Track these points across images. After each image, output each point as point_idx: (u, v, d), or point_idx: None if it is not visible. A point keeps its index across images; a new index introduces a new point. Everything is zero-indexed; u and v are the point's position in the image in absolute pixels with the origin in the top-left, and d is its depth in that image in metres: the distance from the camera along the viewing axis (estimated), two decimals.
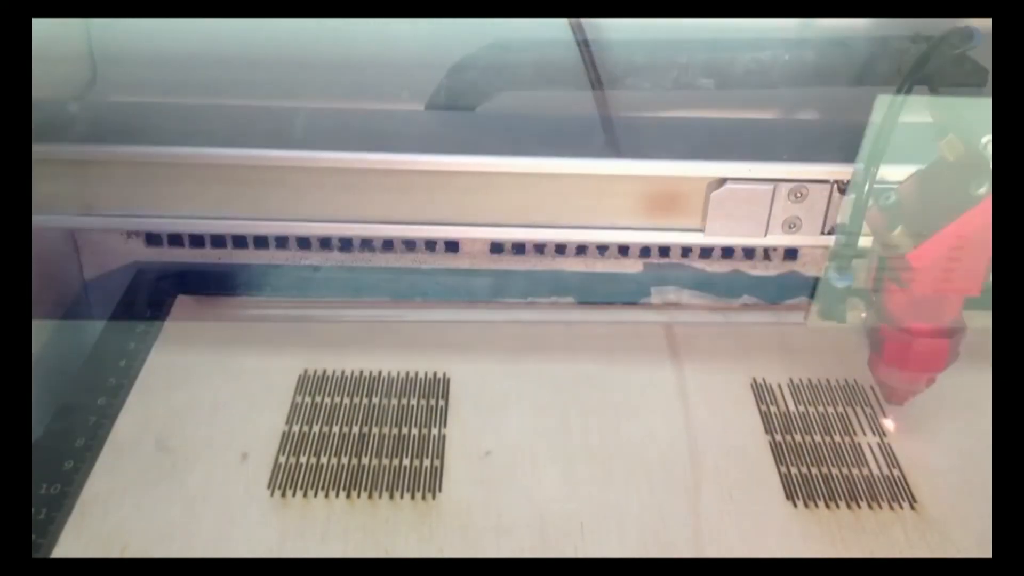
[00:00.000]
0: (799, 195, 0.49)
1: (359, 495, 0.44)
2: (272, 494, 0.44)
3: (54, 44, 0.57)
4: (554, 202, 0.52)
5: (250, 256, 0.59)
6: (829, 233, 0.51)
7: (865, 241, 0.47)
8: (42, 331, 0.54)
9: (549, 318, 0.56)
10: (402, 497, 0.44)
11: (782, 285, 0.58)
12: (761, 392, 0.51)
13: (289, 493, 0.44)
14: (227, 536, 0.41)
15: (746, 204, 0.50)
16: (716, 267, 0.59)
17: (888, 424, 0.49)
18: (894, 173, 0.46)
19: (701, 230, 0.51)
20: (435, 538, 0.42)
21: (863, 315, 0.48)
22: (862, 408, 0.50)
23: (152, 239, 0.58)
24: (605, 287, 0.58)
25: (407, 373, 0.51)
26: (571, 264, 0.59)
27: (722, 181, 0.49)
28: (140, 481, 0.44)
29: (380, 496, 0.44)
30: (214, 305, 0.56)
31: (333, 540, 0.41)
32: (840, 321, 0.49)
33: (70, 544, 0.41)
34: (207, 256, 0.59)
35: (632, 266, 0.59)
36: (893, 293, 0.45)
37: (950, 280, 0.44)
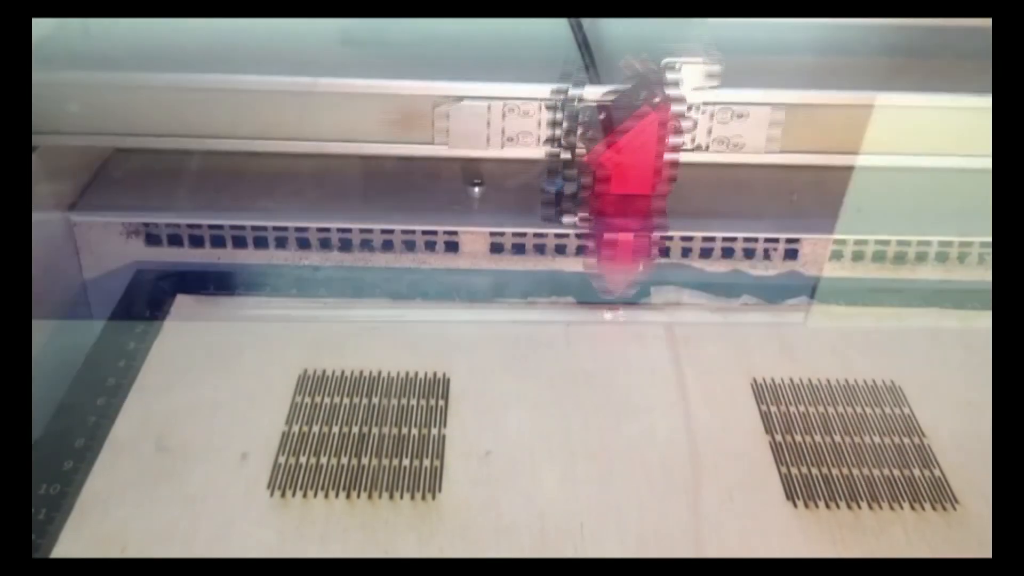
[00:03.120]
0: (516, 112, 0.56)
1: (359, 495, 0.44)
2: (272, 494, 0.44)
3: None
4: None
5: (250, 256, 0.59)
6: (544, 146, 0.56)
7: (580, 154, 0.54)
8: (42, 331, 0.54)
9: (549, 318, 0.56)
10: (402, 497, 0.44)
11: (782, 285, 0.58)
12: (761, 392, 0.51)
13: (289, 493, 0.44)
14: (227, 536, 0.41)
15: (469, 120, 0.55)
16: (716, 267, 0.59)
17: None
18: (593, 93, 0.54)
19: (431, 142, 0.56)
20: (435, 538, 0.42)
21: (576, 218, 0.55)
22: (863, 408, 0.50)
23: (152, 239, 0.58)
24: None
25: (407, 373, 0.51)
26: (571, 264, 0.59)
27: (446, 99, 0.55)
28: (140, 481, 0.44)
29: (380, 496, 0.44)
30: (214, 305, 0.56)
31: (333, 540, 0.41)
32: (556, 223, 0.56)
33: (70, 544, 0.41)
34: (207, 256, 0.59)
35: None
36: (588, 196, 0.54)
37: (626, 179, 0.52)
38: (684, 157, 0.55)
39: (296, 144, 0.57)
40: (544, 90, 0.54)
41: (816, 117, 0.55)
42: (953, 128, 0.56)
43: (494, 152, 0.56)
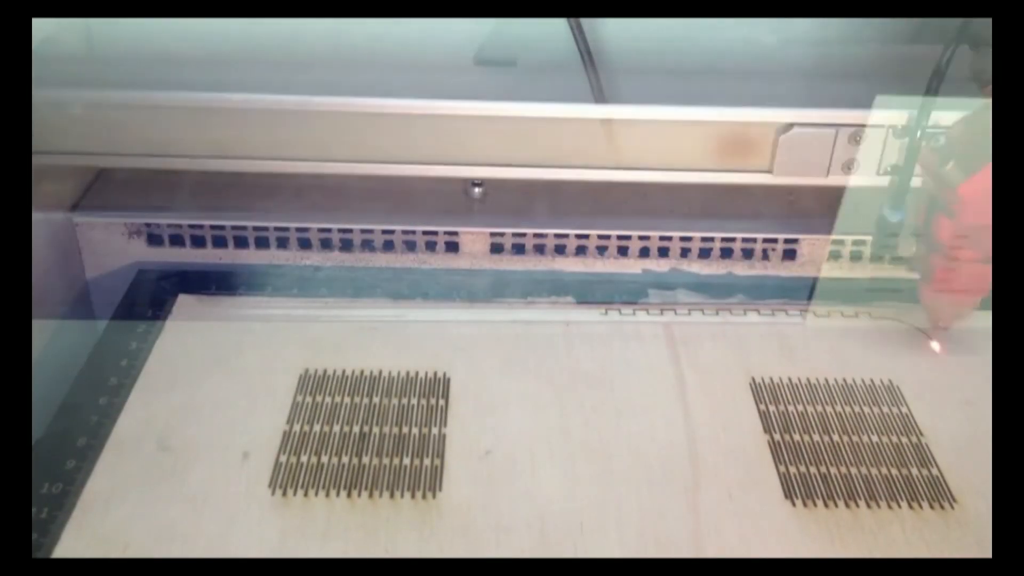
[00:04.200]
0: (857, 139, 0.54)
1: (359, 494, 0.44)
2: (273, 493, 0.44)
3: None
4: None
5: (250, 256, 0.59)
6: (884, 174, 0.55)
7: (916, 181, 0.53)
8: (44, 331, 0.54)
9: (549, 318, 0.56)
10: (402, 496, 0.44)
11: (780, 285, 0.59)
12: (760, 391, 0.51)
13: (290, 492, 0.44)
14: (228, 535, 0.42)
15: (809, 148, 0.54)
16: (715, 268, 0.59)
17: (934, 346, 0.54)
18: (943, 119, 0.52)
19: (770, 171, 0.55)
20: (435, 537, 0.42)
21: (914, 248, 0.52)
22: (861, 407, 0.50)
23: (153, 239, 0.59)
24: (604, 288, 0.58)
25: (407, 373, 0.51)
26: (571, 264, 0.59)
27: (790, 126, 0.54)
28: (141, 480, 0.44)
29: (380, 495, 0.44)
30: (215, 305, 0.56)
31: (334, 539, 0.42)
32: (892, 254, 0.55)
33: (71, 543, 0.41)
34: (208, 256, 0.59)
35: (632, 266, 0.59)
36: (943, 225, 0.49)
37: (981, 211, 0.47)
38: None
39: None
40: (889, 116, 0.53)
41: None
42: None
43: (834, 180, 0.55)
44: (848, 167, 0.55)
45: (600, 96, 0.54)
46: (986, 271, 0.49)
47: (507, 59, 0.60)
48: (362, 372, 0.51)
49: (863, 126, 0.53)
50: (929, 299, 0.52)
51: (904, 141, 0.53)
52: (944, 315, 0.53)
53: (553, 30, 0.56)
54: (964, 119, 0.50)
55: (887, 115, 0.53)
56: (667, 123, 0.55)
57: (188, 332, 0.54)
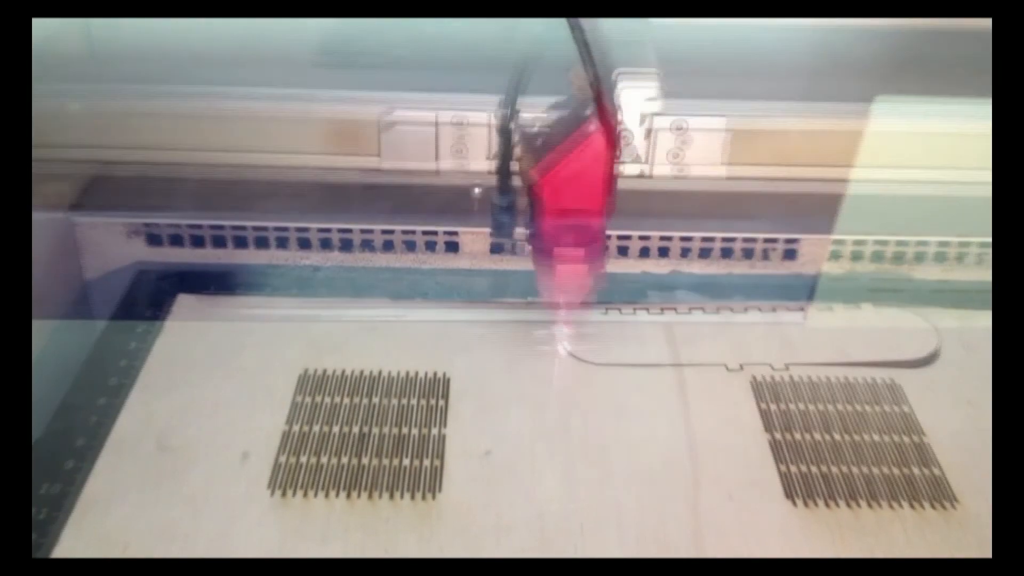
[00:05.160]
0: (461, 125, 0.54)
1: (359, 495, 0.44)
2: (272, 494, 0.44)
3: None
4: None
5: (251, 256, 0.59)
6: (492, 159, 0.55)
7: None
8: (43, 331, 0.54)
9: (549, 318, 0.56)
10: (402, 497, 0.44)
11: (781, 285, 0.58)
12: (761, 390, 0.51)
13: (289, 493, 0.44)
14: (227, 536, 0.41)
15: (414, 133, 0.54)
16: (715, 268, 0.59)
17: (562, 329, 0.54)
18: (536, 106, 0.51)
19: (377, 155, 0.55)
20: (435, 538, 0.42)
21: (527, 232, 0.52)
22: (862, 406, 0.50)
23: (153, 239, 0.58)
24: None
25: (407, 373, 0.51)
26: None
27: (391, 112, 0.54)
28: (141, 481, 0.44)
29: (380, 496, 0.44)
30: (215, 304, 0.56)
31: (333, 540, 0.41)
32: (507, 238, 0.54)
33: (71, 544, 0.41)
34: (208, 256, 0.59)
35: (632, 267, 0.59)
36: (537, 211, 0.50)
37: (573, 198, 0.49)
38: (629, 171, 0.54)
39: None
40: (492, 102, 0.51)
41: (762, 132, 0.54)
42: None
43: (444, 164, 0.55)
44: (459, 153, 0.54)
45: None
46: (579, 253, 0.49)
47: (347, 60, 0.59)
48: (362, 372, 0.51)
49: (466, 112, 0.53)
50: (541, 284, 0.52)
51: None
52: (560, 296, 0.53)
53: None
54: (551, 104, 0.50)
55: (484, 100, 0.53)
56: None
57: (188, 332, 0.54)
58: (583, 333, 0.55)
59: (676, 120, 0.52)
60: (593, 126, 0.47)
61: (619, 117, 0.50)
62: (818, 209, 0.57)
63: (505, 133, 0.50)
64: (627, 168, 0.54)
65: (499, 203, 0.52)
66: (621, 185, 0.50)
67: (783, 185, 0.56)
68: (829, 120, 0.55)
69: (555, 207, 0.49)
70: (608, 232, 0.58)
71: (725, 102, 0.53)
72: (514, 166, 0.50)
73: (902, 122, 0.54)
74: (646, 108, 0.51)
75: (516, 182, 0.50)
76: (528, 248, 0.52)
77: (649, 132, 0.53)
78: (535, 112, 0.51)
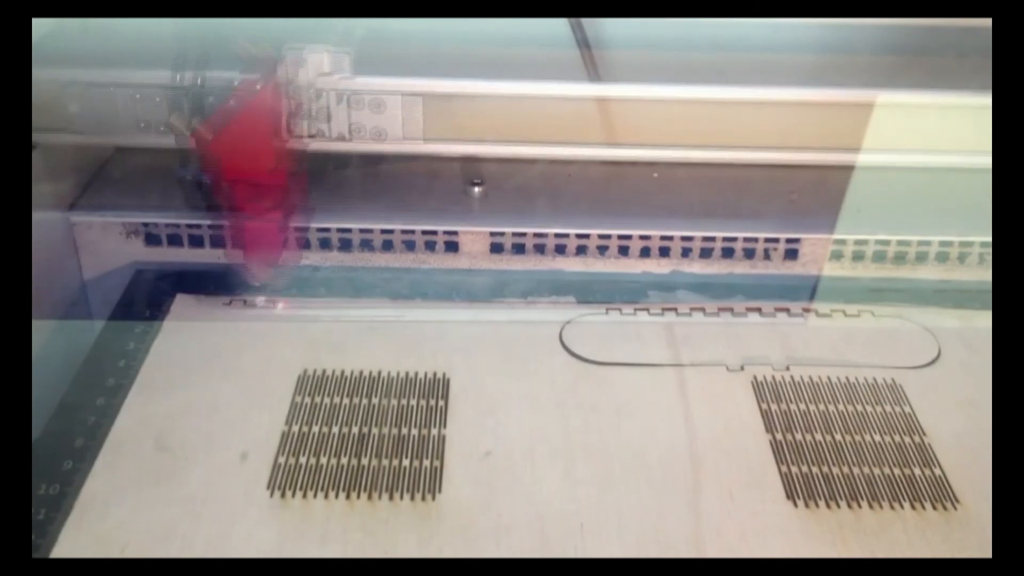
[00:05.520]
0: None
1: (359, 496, 0.44)
2: (272, 494, 0.44)
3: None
4: None
5: None
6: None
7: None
8: (41, 331, 0.54)
9: (549, 318, 0.56)
10: (402, 498, 0.44)
11: (782, 285, 0.58)
12: (761, 390, 0.51)
13: (289, 494, 0.44)
14: (227, 536, 0.41)
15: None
16: (715, 268, 0.59)
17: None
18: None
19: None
20: (435, 539, 0.42)
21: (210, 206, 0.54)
22: (863, 406, 0.50)
23: (151, 239, 0.58)
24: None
25: (407, 373, 0.51)
26: (571, 264, 0.59)
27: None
28: (139, 481, 0.44)
29: (380, 497, 0.44)
30: (214, 304, 0.56)
31: (332, 541, 0.41)
32: (202, 210, 0.55)
33: (69, 544, 0.41)
34: (206, 256, 0.59)
35: (632, 267, 0.59)
36: (212, 183, 0.52)
37: (233, 164, 0.50)
38: (325, 145, 0.55)
39: None
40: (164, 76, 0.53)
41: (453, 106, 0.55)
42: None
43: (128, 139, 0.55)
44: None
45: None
46: (260, 228, 0.51)
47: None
48: (361, 372, 0.51)
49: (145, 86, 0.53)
50: (234, 256, 0.54)
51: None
52: (254, 270, 0.54)
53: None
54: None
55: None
56: None
57: (186, 332, 0.54)
58: (581, 333, 0.55)
59: (365, 95, 0.54)
60: (258, 87, 0.50)
61: (287, 86, 0.52)
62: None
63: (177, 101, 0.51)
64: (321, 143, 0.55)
65: (186, 174, 0.54)
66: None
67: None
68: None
69: (224, 168, 0.51)
70: (609, 232, 0.58)
71: (416, 80, 0.54)
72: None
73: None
74: (324, 83, 0.53)
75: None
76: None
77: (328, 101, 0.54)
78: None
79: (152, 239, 0.58)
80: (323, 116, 0.53)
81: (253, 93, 0.50)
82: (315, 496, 0.43)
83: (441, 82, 0.54)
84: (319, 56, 0.52)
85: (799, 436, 0.48)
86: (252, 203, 0.51)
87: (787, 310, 0.57)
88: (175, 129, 0.51)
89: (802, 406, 0.50)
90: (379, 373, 0.51)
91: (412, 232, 0.58)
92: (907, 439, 0.48)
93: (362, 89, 0.54)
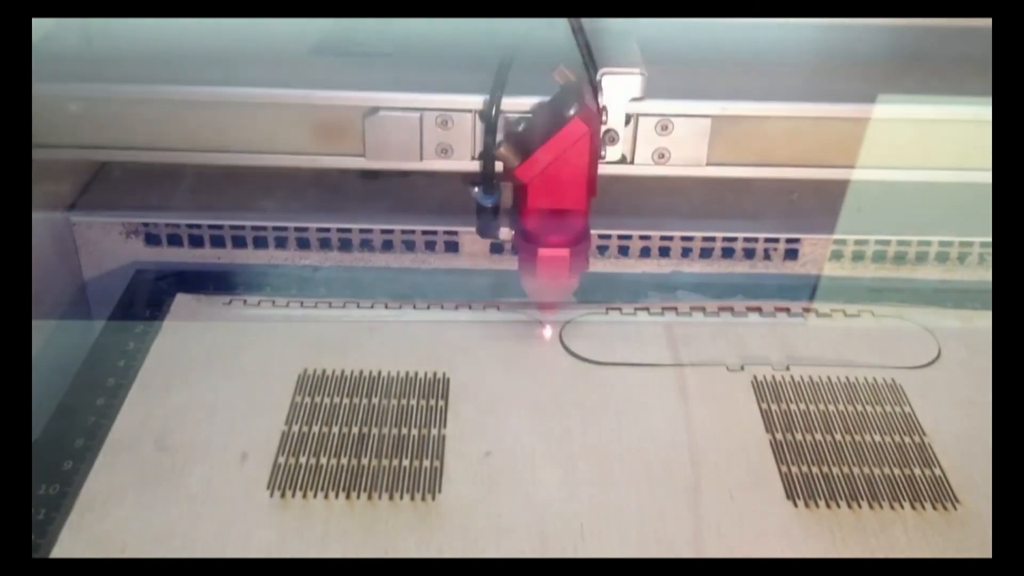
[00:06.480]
0: (446, 123, 0.53)
1: (358, 496, 0.44)
2: (272, 495, 0.44)
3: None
4: None
5: (249, 256, 0.59)
6: (476, 159, 0.53)
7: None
8: (41, 331, 0.54)
9: (549, 318, 0.56)
10: (402, 498, 0.44)
11: (782, 285, 0.58)
12: (761, 390, 0.51)
13: (289, 494, 0.44)
14: (226, 536, 0.41)
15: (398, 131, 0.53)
16: (716, 267, 0.59)
17: (545, 333, 0.54)
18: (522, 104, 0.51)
19: (362, 155, 0.54)
20: (435, 539, 0.42)
21: (512, 233, 0.52)
22: (863, 406, 0.50)
23: (151, 239, 0.58)
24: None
25: (407, 373, 0.51)
26: None
27: (376, 110, 0.53)
28: (139, 481, 0.44)
29: (380, 497, 0.44)
30: (213, 305, 0.56)
31: (332, 541, 0.41)
32: (494, 238, 0.53)
33: (69, 544, 0.41)
34: (206, 256, 0.59)
35: (632, 267, 0.59)
36: (522, 209, 0.51)
37: (557, 194, 0.50)
38: (613, 170, 0.53)
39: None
40: (476, 101, 0.51)
41: (743, 129, 0.53)
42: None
43: (428, 164, 0.53)
44: (444, 152, 0.53)
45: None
46: (562, 256, 0.50)
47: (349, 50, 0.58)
48: (361, 372, 0.51)
49: (450, 111, 0.52)
50: (526, 282, 0.52)
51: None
52: (544, 297, 0.54)
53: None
54: (540, 103, 0.51)
55: (468, 100, 0.51)
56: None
57: (186, 332, 0.54)
58: (581, 333, 0.55)
59: (661, 120, 0.52)
60: (577, 123, 0.48)
61: (604, 117, 0.50)
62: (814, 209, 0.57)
63: (490, 132, 0.50)
64: (613, 168, 0.53)
65: (483, 203, 0.52)
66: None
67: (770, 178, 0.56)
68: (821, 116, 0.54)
69: (538, 204, 0.50)
70: (609, 232, 0.58)
71: (711, 103, 0.52)
72: (498, 165, 0.50)
73: (898, 118, 0.54)
74: (631, 108, 0.51)
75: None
76: (507, 235, 0.52)
77: (634, 131, 0.52)
78: (518, 110, 0.51)
79: (152, 239, 0.58)
80: (615, 141, 0.51)
81: (574, 123, 0.47)
82: (315, 496, 0.43)
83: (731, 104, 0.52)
84: (624, 79, 0.50)
85: (799, 436, 0.48)
86: (558, 232, 0.50)
87: (787, 310, 0.57)
88: (503, 157, 0.49)
89: (802, 406, 0.50)
90: (379, 373, 0.51)
91: (412, 232, 0.58)
92: (907, 439, 0.48)
93: (656, 112, 0.51)
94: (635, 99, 0.51)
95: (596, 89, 0.50)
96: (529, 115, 0.51)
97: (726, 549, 0.41)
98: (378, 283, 0.58)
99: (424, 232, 0.58)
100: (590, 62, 0.54)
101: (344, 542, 0.41)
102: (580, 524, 0.42)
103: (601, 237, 0.58)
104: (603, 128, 0.51)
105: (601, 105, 0.50)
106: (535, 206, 0.50)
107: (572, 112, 0.48)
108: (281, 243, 0.58)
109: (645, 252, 0.59)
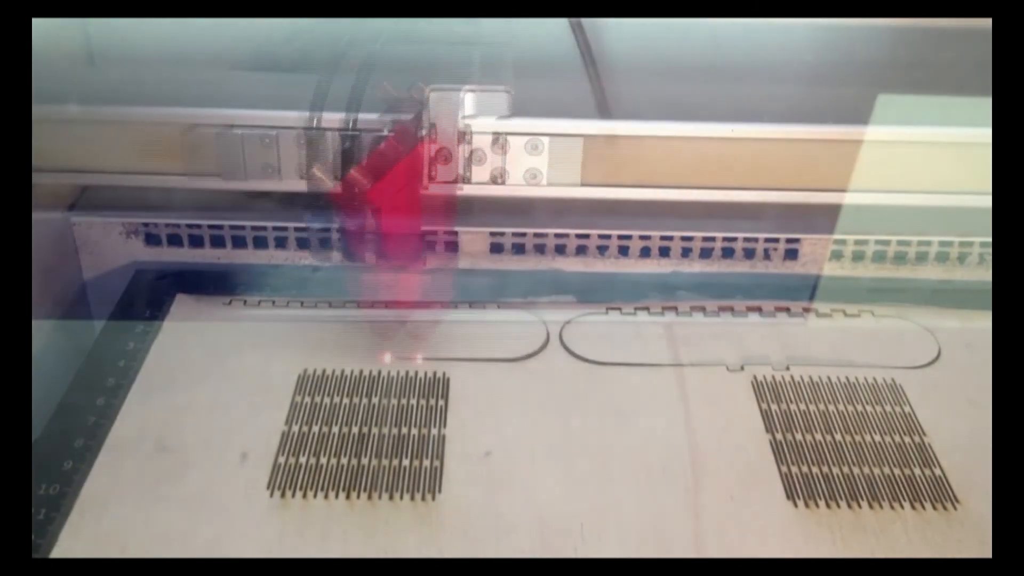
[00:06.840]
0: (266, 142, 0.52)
1: (359, 496, 0.44)
2: (272, 494, 0.44)
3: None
4: None
5: (249, 256, 0.59)
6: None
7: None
8: (41, 331, 0.54)
9: (549, 318, 0.56)
10: (402, 498, 0.44)
11: (782, 285, 0.58)
12: (761, 390, 0.51)
13: (289, 494, 0.44)
14: (226, 537, 0.41)
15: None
16: (716, 267, 0.59)
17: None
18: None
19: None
20: (435, 539, 0.42)
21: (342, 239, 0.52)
22: (863, 406, 0.50)
23: (151, 239, 0.58)
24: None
25: (407, 373, 0.51)
26: (571, 264, 0.59)
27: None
28: (139, 481, 0.44)
29: (380, 497, 0.44)
30: (214, 304, 0.56)
31: (332, 541, 0.41)
32: (356, 262, 0.51)
33: (69, 544, 0.41)
34: (206, 256, 0.59)
35: (632, 267, 0.59)
36: (353, 221, 0.49)
37: (398, 209, 0.48)
38: (488, 191, 0.52)
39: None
40: (295, 118, 0.50)
41: (614, 149, 0.52)
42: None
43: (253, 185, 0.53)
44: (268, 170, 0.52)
45: (601, 97, 0.54)
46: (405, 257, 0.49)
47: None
48: (361, 372, 0.51)
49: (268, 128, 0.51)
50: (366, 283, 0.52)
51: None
52: (400, 299, 0.53)
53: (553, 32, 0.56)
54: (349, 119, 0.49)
55: (289, 117, 0.50)
56: None
57: (186, 332, 0.54)
58: (581, 333, 0.55)
59: (531, 139, 0.51)
60: (390, 143, 0.47)
61: (433, 134, 0.49)
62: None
63: (312, 148, 0.49)
64: (486, 189, 0.52)
65: (312, 224, 0.52)
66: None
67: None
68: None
69: (364, 225, 0.48)
70: (609, 232, 0.58)
71: (584, 121, 0.51)
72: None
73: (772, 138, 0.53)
74: (498, 126, 0.50)
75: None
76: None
77: (502, 148, 0.51)
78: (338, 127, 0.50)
79: (152, 239, 0.58)
80: (477, 160, 0.50)
81: (412, 138, 0.47)
82: (315, 496, 0.43)
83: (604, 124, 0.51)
84: (481, 96, 0.49)
85: (799, 436, 0.48)
86: (400, 252, 0.49)
87: (787, 310, 0.57)
88: (315, 179, 0.48)
89: (802, 406, 0.50)
90: (379, 373, 0.51)
91: None
92: (907, 439, 0.48)
93: (518, 132, 0.50)
94: (503, 117, 0.50)
95: (429, 105, 0.49)
96: (356, 133, 0.50)
97: (726, 549, 0.41)
98: (378, 283, 0.58)
99: (424, 232, 0.58)
100: (590, 62, 0.54)
101: (344, 542, 0.41)
102: (580, 524, 0.42)
103: (601, 237, 0.58)
104: (435, 147, 0.50)
105: (431, 123, 0.49)
106: (362, 228, 0.48)
107: (386, 132, 0.47)
108: (281, 243, 0.58)
109: (645, 252, 0.59)
